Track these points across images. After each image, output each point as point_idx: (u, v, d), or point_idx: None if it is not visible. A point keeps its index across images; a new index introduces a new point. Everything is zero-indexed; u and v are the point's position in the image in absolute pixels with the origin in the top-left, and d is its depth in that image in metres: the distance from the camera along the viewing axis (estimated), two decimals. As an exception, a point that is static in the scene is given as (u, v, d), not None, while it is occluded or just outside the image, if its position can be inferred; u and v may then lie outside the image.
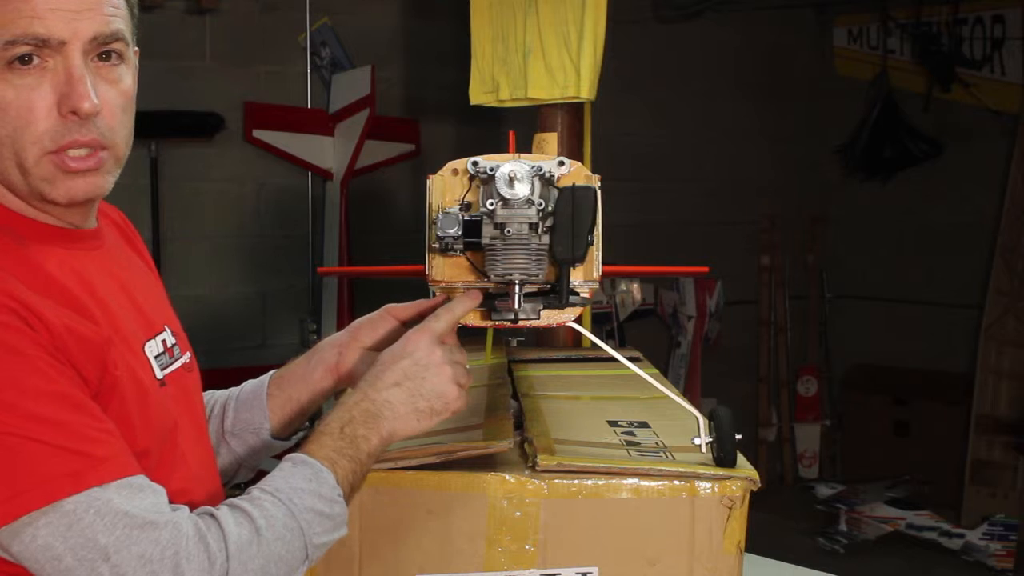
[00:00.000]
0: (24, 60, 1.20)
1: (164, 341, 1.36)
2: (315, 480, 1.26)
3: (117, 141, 1.27)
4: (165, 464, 1.27)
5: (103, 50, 1.24)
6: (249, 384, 1.63)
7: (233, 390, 1.63)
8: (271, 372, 1.64)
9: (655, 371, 2.04)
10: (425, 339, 1.41)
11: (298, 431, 1.63)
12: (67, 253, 1.26)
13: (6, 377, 1.11)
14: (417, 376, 1.39)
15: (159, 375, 1.31)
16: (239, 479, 1.61)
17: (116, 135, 1.27)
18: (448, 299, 1.51)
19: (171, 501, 1.21)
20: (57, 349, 1.15)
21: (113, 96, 1.26)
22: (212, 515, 1.19)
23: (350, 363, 1.58)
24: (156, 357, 1.32)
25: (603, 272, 1.51)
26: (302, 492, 1.24)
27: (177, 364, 1.37)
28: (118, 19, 1.25)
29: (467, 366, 1.45)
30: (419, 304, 1.59)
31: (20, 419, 1.10)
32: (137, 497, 1.14)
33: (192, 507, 1.24)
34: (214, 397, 1.63)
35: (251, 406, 1.60)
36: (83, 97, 1.21)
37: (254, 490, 1.24)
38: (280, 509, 1.22)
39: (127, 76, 1.29)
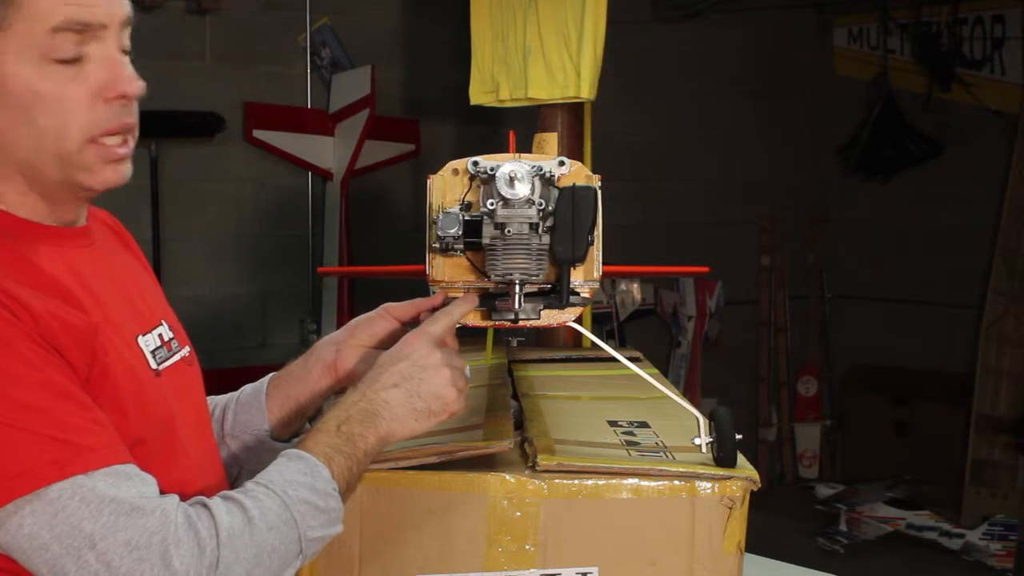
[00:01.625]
0: (69, 61, 1.21)
1: (161, 335, 1.36)
2: (310, 474, 1.26)
3: (137, 127, 1.30)
4: (164, 455, 1.27)
5: (124, 38, 1.27)
6: (249, 387, 1.63)
7: (233, 394, 1.64)
8: (271, 374, 1.64)
9: (655, 371, 2.04)
10: (423, 341, 1.42)
11: (298, 432, 1.63)
12: (57, 249, 1.26)
13: None
14: (415, 377, 1.39)
15: (154, 366, 1.31)
16: (241, 483, 1.61)
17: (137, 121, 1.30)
18: (446, 297, 1.52)
19: (173, 491, 1.21)
20: (43, 336, 1.14)
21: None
22: (204, 504, 1.18)
23: (348, 361, 1.58)
24: (153, 351, 1.32)
25: (603, 272, 1.51)
26: (296, 484, 1.24)
27: (176, 358, 1.37)
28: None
29: (467, 370, 1.45)
30: (417, 303, 1.59)
31: (4, 407, 1.10)
32: (124, 485, 1.13)
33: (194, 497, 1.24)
34: (215, 401, 1.63)
35: (249, 407, 1.60)
36: (132, 80, 1.24)
37: (248, 483, 1.24)
38: (274, 500, 1.21)
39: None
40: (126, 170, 1.28)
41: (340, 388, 1.61)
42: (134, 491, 1.13)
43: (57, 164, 1.23)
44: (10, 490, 1.09)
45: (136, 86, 1.24)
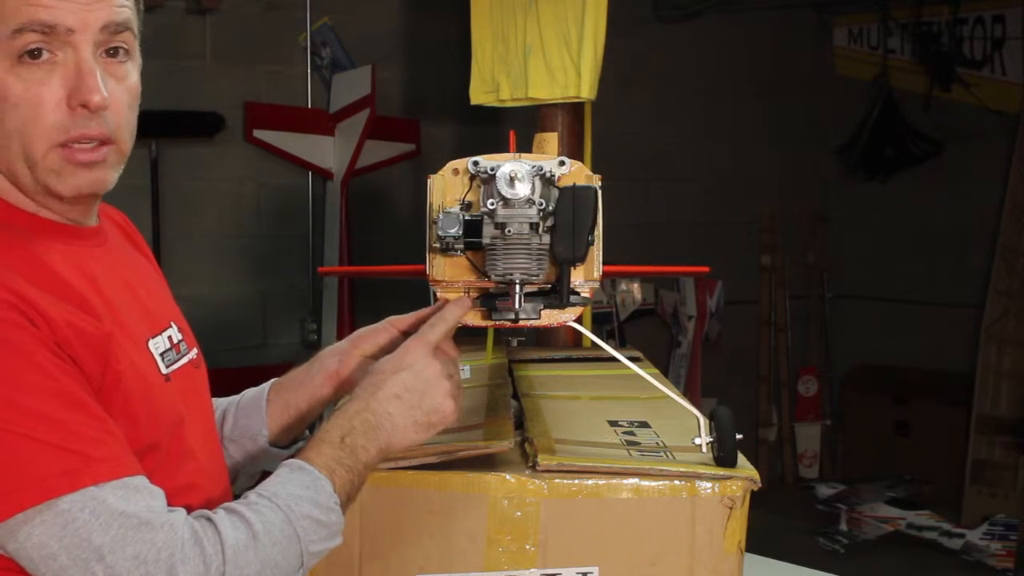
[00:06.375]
0: (34, 54, 1.20)
1: (170, 338, 1.36)
2: (313, 488, 1.26)
3: (123, 137, 1.28)
4: (172, 459, 1.27)
5: (112, 44, 1.25)
6: (250, 391, 1.63)
7: (234, 397, 1.63)
8: (272, 380, 1.63)
9: (655, 371, 2.04)
10: (423, 350, 1.42)
11: (297, 439, 1.62)
12: (70, 249, 1.26)
13: (5, 373, 1.10)
14: (416, 389, 1.39)
15: (164, 371, 1.31)
16: (238, 487, 1.60)
17: (122, 131, 1.27)
18: (446, 303, 1.52)
19: (180, 496, 1.21)
20: (58, 345, 1.14)
21: (120, 92, 1.26)
22: (208, 518, 1.18)
23: (350, 372, 1.58)
24: (162, 354, 1.32)
25: (603, 272, 1.51)
26: (300, 499, 1.24)
27: (184, 360, 1.37)
28: (127, 10, 1.26)
29: (466, 371, 1.46)
30: (419, 314, 1.59)
31: (18, 416, 1.10)
32: (134, 498, 1.13)
33: (205, 503, 1.24)
34: (216, 404, 1.63)
35: (250, 412, 1.59)
36: (93, 90, 1.21)
37: (251, 495, 1.24)
38: (277, 515, 1.21)
39: (134, 72, 1.30)
40: (97, 179, 1.26)
41: (340, 397, 1.62)
42: (143, 504, 1.14)
43: (26, 167, 1.23)
44: (22, 500, 1.09)
45: (97, 98, 1.21)
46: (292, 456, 1.33)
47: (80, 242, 1.29)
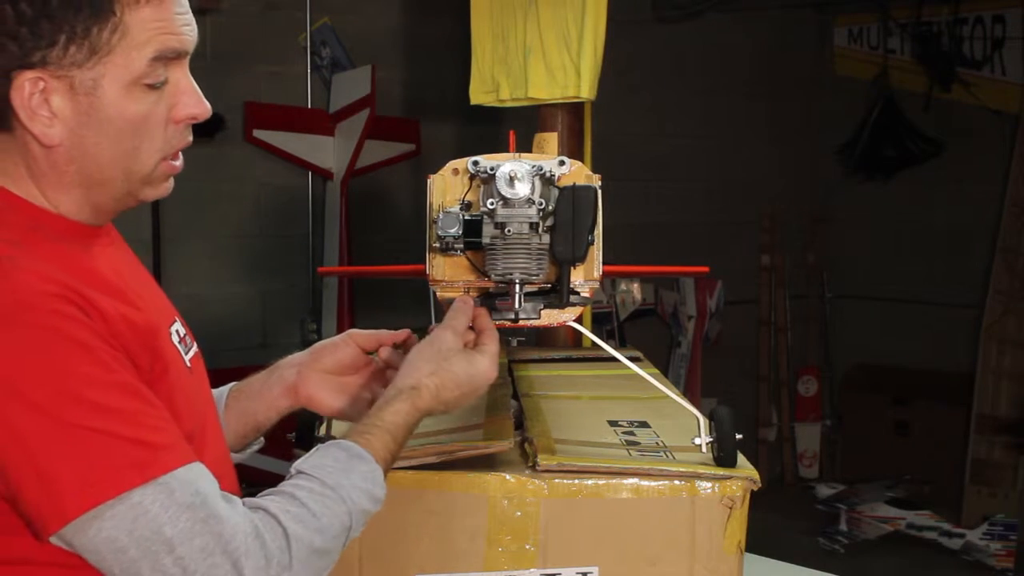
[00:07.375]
0: (158, 85, 1.24)
1: (178, 331, 1.37)
2: (371, 479, 1.27)
3: None
4: (200, 451, 1.27)
5: None
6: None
7: None
8: (231, 384, 1.62)
9: (655, 371, 2.04)
10: (495, 367, 1.45)
11: (251, 445, 1.62)
12: (95, 248, 1.28)
13: (67, 367, 1.10)
14: (470, 395, 1.43)
15: (187, 362, 1.33)
16: None
17: None
18: (409, 335, 1.53)
19: None
20: (113, 337, 1.15)
21: None
22: (266, 510, 1.18)
23: (308, 385, 1.57)
24: (178, 344, 1.33)
25: (603, 272, 1.51)
26: (361, 492, 1.25)
27: (192, 352, 1.38)
28: None
29: None
30: (381, 335, 1.59)
31: (84, 411, 1.09)
32: (197, 487, 1.14)
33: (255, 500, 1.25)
34: None
35: None
36: (202, 103, 1.28)
37: (315, 483, 1.23)
38: (341, 507, 1.22)
39: None
40: (172, 183, 1.34)
41: (298, 409, 1.61)
42: (205, 494, 1.14)
43: (126, 179, 1.26)
44: (94, 495, 1.09)
45: (206, 108, 1.28)
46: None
47: (98, 240, 1.30)
